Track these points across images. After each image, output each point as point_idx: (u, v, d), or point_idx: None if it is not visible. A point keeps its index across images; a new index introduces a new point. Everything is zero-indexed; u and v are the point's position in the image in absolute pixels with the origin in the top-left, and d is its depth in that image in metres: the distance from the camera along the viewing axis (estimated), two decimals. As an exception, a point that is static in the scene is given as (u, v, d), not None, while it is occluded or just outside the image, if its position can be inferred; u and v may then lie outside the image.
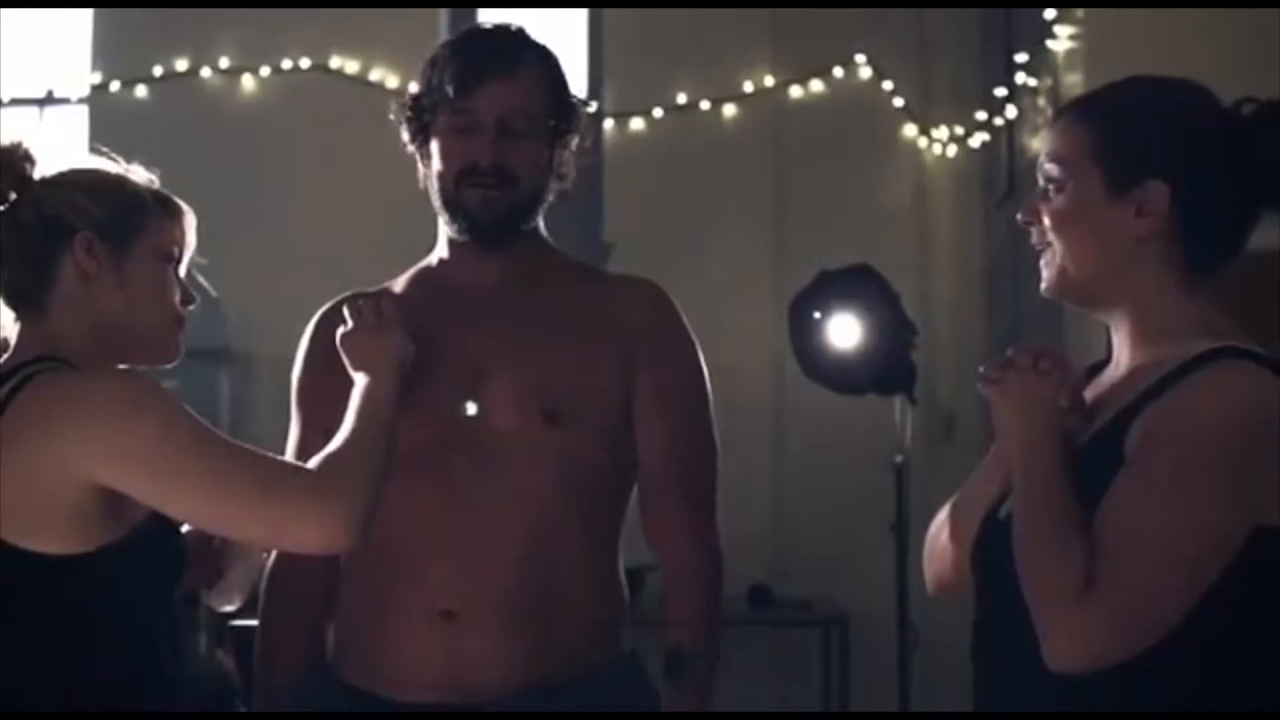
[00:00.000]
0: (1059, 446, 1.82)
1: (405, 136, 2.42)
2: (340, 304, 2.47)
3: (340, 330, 2.28)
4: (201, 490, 1.95)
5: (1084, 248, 1.88)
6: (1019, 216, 1.94)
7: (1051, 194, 1.90)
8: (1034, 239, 1.93)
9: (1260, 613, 1.76)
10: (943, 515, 2.06)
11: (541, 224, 2.47)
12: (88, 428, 1.93)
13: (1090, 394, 1.90)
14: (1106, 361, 1.96)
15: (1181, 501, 1.72)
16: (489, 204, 2.36)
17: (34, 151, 2.09)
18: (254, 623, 2.49)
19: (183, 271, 2.16)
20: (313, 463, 2.03)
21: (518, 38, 2.42)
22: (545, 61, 2.41)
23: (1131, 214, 1.85)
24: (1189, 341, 1.82)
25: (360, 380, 2.20)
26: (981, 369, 1.90)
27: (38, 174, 2.09)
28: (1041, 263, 1.93)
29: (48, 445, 1.93)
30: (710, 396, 2.46)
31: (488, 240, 2.40)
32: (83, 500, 1.94)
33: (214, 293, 5.30)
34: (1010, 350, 1.89)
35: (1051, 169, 1.90)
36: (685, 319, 2.46)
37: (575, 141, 2.43)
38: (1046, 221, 1.90)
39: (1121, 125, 1.87)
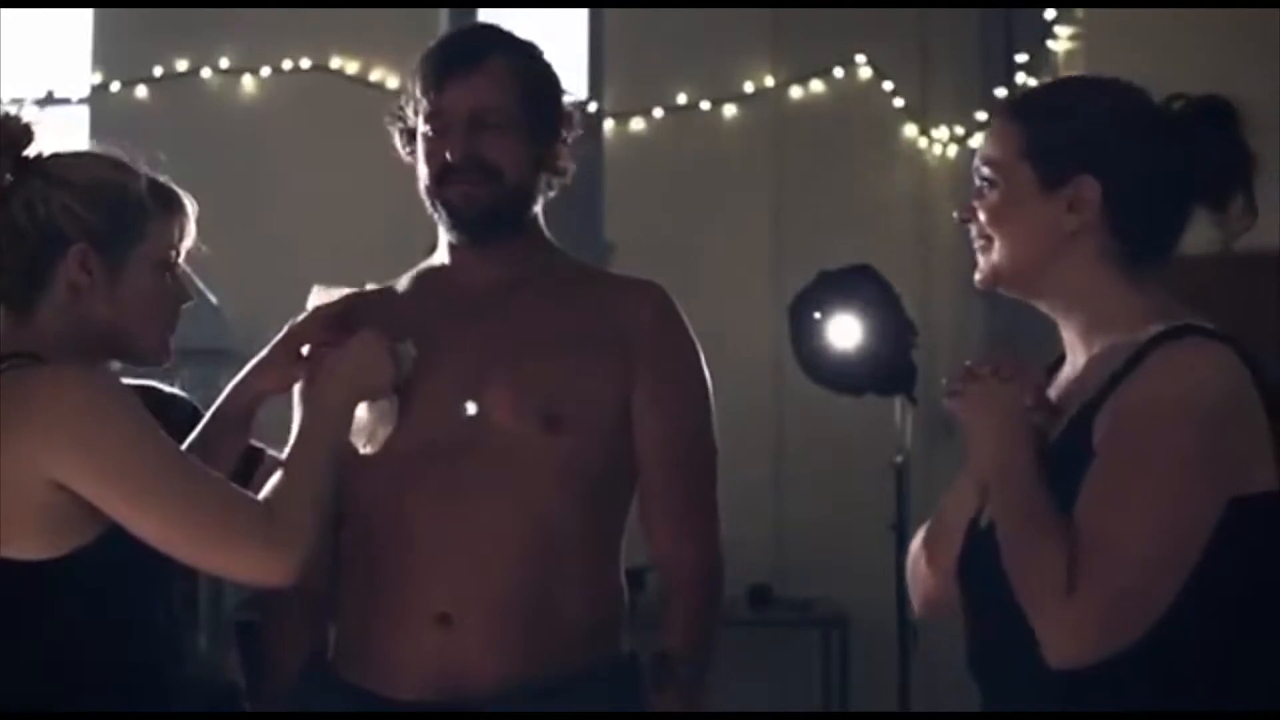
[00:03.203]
0: (1031, 449, 1.84)
1: (398, 144, 2.43)
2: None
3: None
4: (157, 512, 1.93)
5: (1018, 242, 1.91)
6: (955, 215, 1.97)
7: (986, 191, 1.92)
8: (973, 234, 1.95)
9: (1248, 582, 1.77)
10: (918, 542, 2.07)
11: (543, 224, 2.47)
12: (48, 425, 1.90)
13: (1052, 393, 1.92)
14: (1064, 359, 1.97)
15: (1155, 487, 1.74)
16: (470, 199, 2.34)
17: (31, 125, 2.04)
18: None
19: (183, 261, 2.13)
20: (267, 493, 2.00)
21: (487, 33, 2.41)
22: (518, 55, 2.37)
23: (1063, 209, 1.88)
24: (1139, 328, 1.84)
25: (314, 398, 2.15)
26: (944, 381, 1.92)
27: (34, 152, 2.05)
28: (978, 255, 1.95)
29: (13, 443, 1.90)
30: (710, 400, 2.45)
31: (475, 236, 2.38)
32: (55, 499, 1.91)
33: (213, 299, 5.30)
34: (968, 363, 1.92)
35: (985, 169, 1.92)
36: (686, 320, 2.46)
37: (568, 138, 2.41)
38: (982, 217, 1.93)
39: (1051, 122, 1.90)
